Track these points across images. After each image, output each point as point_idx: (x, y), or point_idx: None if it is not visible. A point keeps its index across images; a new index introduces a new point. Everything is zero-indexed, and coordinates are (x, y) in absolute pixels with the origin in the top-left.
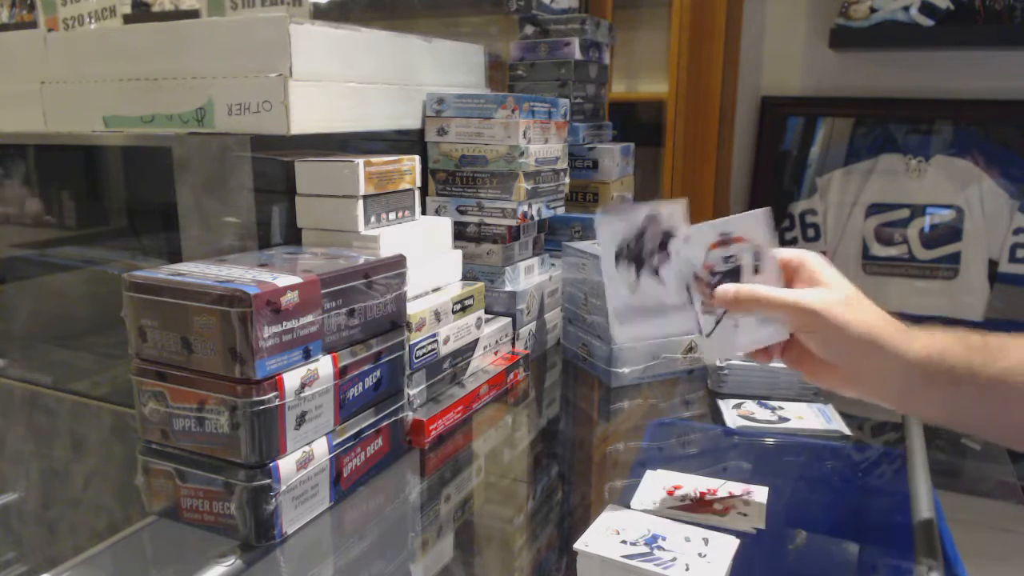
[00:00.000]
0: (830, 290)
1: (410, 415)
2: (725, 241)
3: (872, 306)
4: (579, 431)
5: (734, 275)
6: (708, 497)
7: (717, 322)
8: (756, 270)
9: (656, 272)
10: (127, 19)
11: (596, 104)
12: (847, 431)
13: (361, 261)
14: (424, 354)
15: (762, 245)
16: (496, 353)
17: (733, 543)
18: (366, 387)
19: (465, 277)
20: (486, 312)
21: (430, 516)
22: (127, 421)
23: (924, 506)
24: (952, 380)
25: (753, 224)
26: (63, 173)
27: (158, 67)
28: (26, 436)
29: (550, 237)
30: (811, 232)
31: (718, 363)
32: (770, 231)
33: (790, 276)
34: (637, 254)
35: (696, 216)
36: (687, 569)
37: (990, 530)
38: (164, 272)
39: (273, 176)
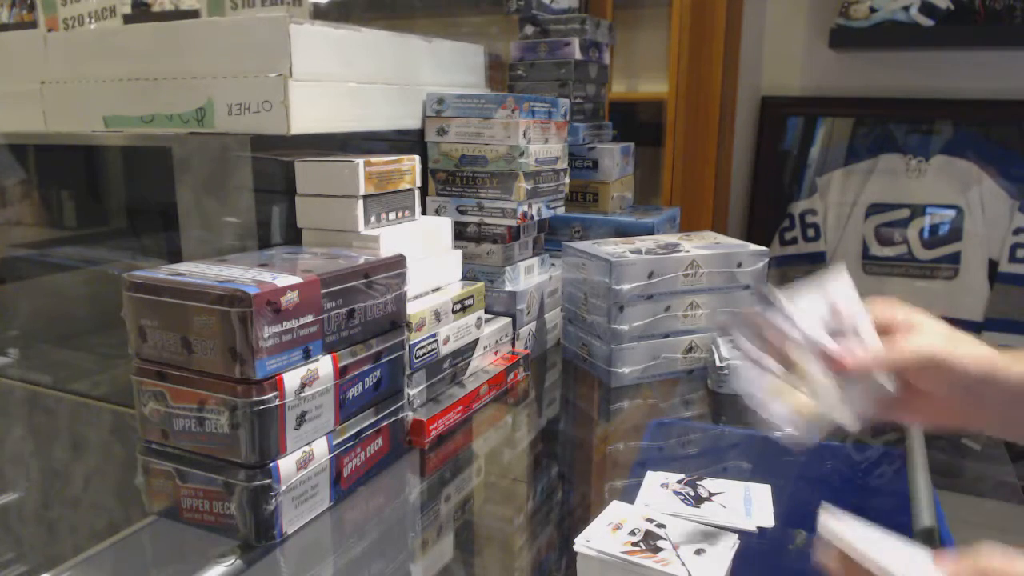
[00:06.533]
0: (934, 333)
1: (410, 415)
2: (829, 306)
3: (970, 337)
4: (579, 431)
5: (840, 336)
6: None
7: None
8: (856, 329)
9: None
10: (127, 19)
11: (596, 104)
12: None
13: (361, 261)
14: (424, 354)
15: (852, 301)
16: (496, 353)
17: (734, 541)
18: (366, 387)
19: (465, 277)
20: (486, 312)
21: (430, 516)
22: (127, 421)
23: (924, 506)
24: None
25: (839, 282)
26: (63, 173)
27: (158, 67)
28: (26, 436)
29: (550, 237)
30: (811, 232)
31: (718, 362)
32: (852, 285)
33: (880, 329)
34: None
35: (695, 219)
36: (687, 567)
37: (990, 530)
38: (164, 272)
39: (273, 176)
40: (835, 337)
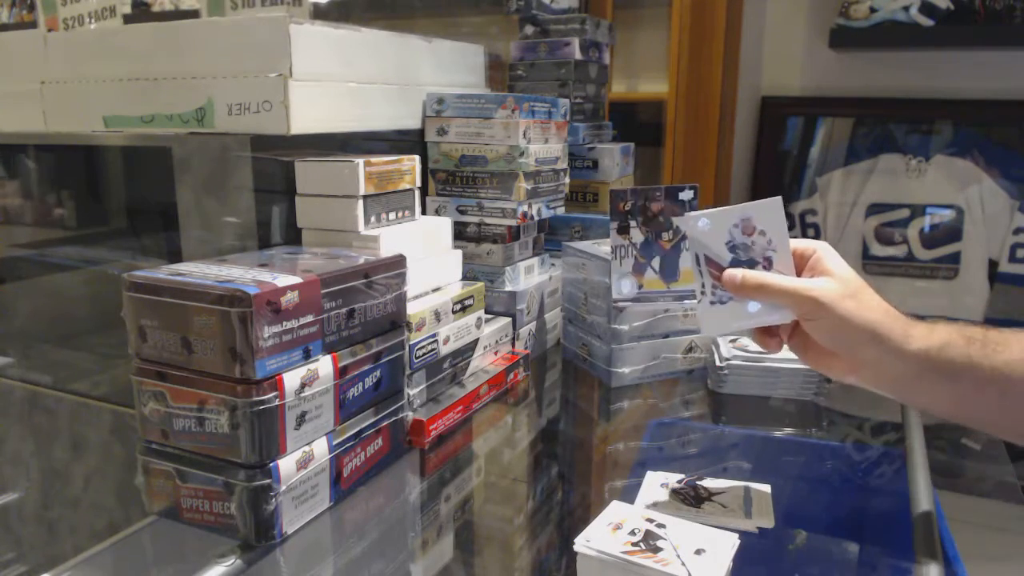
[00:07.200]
0: (836, 280)
1: (410, 415)
2: (743, 227)
3: (876, 298)
4: (579, 431)
5: (749, 262)
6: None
7: (721, 302)
8: (769, 259)
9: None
10: (127, 19)
11: (596, 104)
12: None
13: (361, 261)
14: (424, 354)
15: (776, 233)
16: (496, 353)
17: (734, 541)
18: (366, 387)
19: (465, 277)
20: (486, 312)
21: (430, 516)
22: (127, 421)
23: (924, 506)
24: (951, 372)
25: (769, 212)
26: (63, 173)
27: (158, 67)
28: (26, 436)
29: (550, 237)
30: (811, 232)
31: (718, 362)
32: (784, 220)
33: (802, 265)
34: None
35: None
36: (687, 567)
37: (990, 530)
38: (164, 272)
39: (273, 176)
40: (737, 254)
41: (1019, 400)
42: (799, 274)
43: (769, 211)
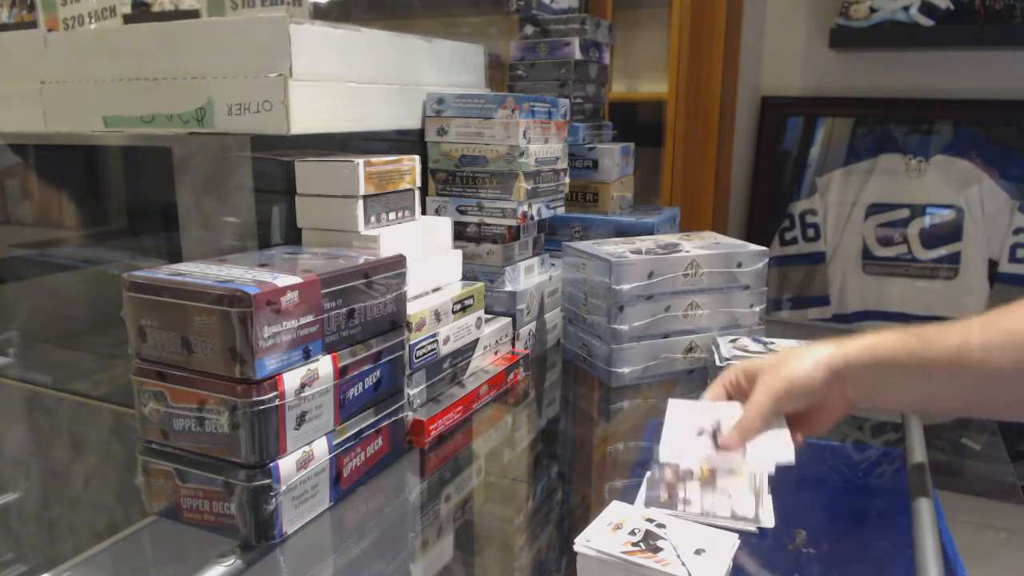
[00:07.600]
0: (769, 372)
1: (410, 415)
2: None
3: (804, 348)
4: (579, 431)
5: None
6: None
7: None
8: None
9: None
10: (127, 19)
11: (596, 104)
12: None
13: (361, 261)
14: (424, 354)
15: (702, 410)
16: (496, 353)
17: (734, 541)
18: (366, 387)
19: (465, 277)
20: (486, 312)
21: (430, 516)
22: (127, 421)
23: (924, 506)
24: (901, 365)
25: (680, 410)
26: (63, 173)
27: (158, 67)
28: (26, 436)
29: (550, 237)
30: (811, 232)
31: (718, 362)
32: (687, 402)
33: (740, 392)
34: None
35: (695, 219)
36: (687, 567)
37: (990, 530)
38: (164, 272)
39: (273, 176)
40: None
41: (972, 380)
42: (746, 396)
43: (677, 409)
